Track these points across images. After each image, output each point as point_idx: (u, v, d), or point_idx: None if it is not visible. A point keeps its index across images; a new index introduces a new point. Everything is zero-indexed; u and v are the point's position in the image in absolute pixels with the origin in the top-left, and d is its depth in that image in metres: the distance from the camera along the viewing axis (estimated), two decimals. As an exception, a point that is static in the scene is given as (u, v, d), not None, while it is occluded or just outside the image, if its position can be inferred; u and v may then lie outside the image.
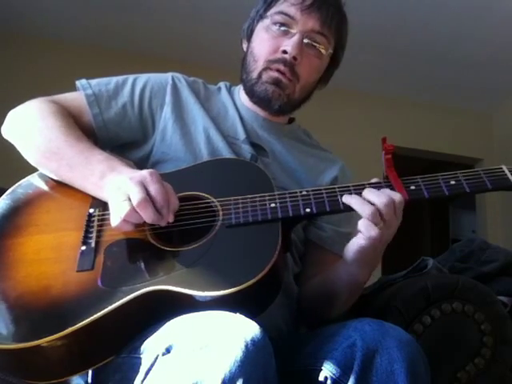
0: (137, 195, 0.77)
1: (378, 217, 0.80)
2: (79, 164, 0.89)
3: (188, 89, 1.10)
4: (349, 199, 0.84)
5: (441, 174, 0.86)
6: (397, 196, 0.82)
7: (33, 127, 0.95)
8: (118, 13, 3.33)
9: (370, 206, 0.81)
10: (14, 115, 1.00)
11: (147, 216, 0.78)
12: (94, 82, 1.05)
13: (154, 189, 0.79)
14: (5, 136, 1.00)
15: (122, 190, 0.79)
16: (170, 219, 0.81)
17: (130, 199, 0.77)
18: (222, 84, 1.19)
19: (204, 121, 1.06)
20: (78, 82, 1.04)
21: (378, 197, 0.81)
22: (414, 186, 0.85)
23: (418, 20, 3.25)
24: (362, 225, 0.81)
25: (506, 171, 0.86)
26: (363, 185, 0.86)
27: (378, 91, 4.07)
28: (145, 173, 0.81)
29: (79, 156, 0.90)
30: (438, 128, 4.14)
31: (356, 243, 0.83)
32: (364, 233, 0.81)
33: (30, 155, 0.95)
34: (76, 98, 1.03)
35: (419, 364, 0.75)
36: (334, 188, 0.86)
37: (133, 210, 0.77)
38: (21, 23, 3.47)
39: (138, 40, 3.58)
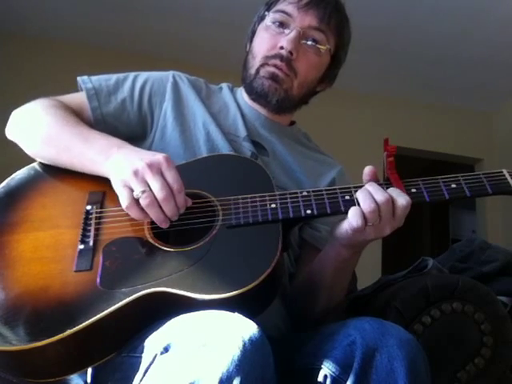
0: (162, 191, 0.77)
1: (377, 213, 0.79)
2: (77, 143, 0.89)
3: (189, 86, 1.11)
4: (358, 193, 0.82)
5: (441, 176, 0.85)
6: (403, 199, 0.80)
7: (34, 118, 0.97)
8: (117, 13, 3.33)
9: (372, 200, 0.80)
10: (16, 114, 1.01)
11: (170, 211, 0.79)
12: (94, 77, 1.06)
13: (171, 176, 0.79)
14: (9, 136, 1.01)
15: (139, 177, 0.78)
16: (185, 207, 0.81)
17: (150, 189, 0.78)
18: (224, 84, 1.20)
19: (204, 117, 1.06)
20: (79, 78, 1.05)
21: (380, 194, 0.80)
22: (415, 189, 0.84)
23: (417, 20, 3.25)
24: (351, 212, 0.80)
25: (507, 176, 0.85)
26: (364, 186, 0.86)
27: (378, 91, 4.07)
28: (161, 159, 0.81)
29: (77, 136, 0.91)
30: (438, 128, 4.15)
31: (344, 228, 0.83)
32: (350, 219, 0.80)
33: (30, 145, 0.96)
34: (76, 96, 1.05)
35: (419, 362, 0.74)
36: (335, 189, 0.85)
37: (155, 203, 0.78)
38: (21, 23, 3.47)
39: (137, 40, 3.58)
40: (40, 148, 0.94)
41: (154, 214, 0.79)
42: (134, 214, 0.80)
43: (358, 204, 0.81)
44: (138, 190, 0.78)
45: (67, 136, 0.91)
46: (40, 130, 0.94)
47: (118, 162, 0.82)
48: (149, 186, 0.78)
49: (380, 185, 0.84)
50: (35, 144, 0.95)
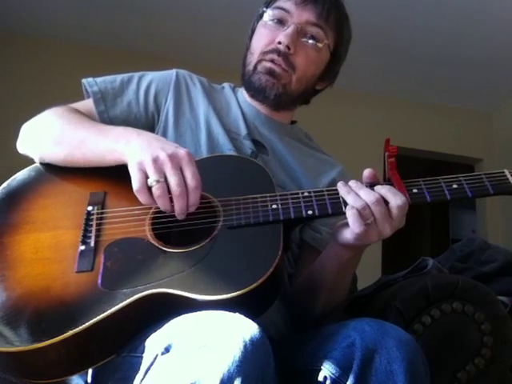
0: (178, 187, 0.77)
1: (368, 211, 0.79)
2: (91, 135, 0.89)
3: (192, 83, 1.12)
4: (343, 189, 0.82)
5: (442, 177, 0.85)
6: (399, 199, 0.80)
7: (46, 123, 0.96)
8: (117, 13, 3.33)
9: (361, 200, 0.79)
10: (27, 125, 1.00)
11: (180, 207, 0.79)
12: (99, 79, 1.06)
13: (190, 172, 0.79)
14: (20, 149, 0.99)
15: (158, 165, 0.78)
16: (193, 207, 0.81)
17: (165, 179, 0.78)
18: (226, 84, 1.20)
19: (207, 113, 1.07)
20: (84, 80, 1.06)
21: (368, 194, 0.80)
22: (416, 190, 0.84)
23: (417, 20, 3.26)
24: (350, 215, 0.79)
25: (508, 176, 0.85)
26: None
27: (378, 91, 4.08)
28: (183, 153, 0.80)
29: (91, 129, 0.91)
30: (438, 128, 4.15)
31: (345, 237, 0.83)
32: (351, 225, 0.79)
33: (42, 149, 0.94)
34: (85, 103, 1.05)
35: (419, 364, 0.74)
36: (336, 189, 0.85)
37: (167, 196, 0.78)
38: (21, 23, 3.47)
39: (137, 40, 3.59)
40: (52, 149, 0.93)
41: (162, 205, 0.79)
42: (143, 199, 0.80)
43: (346, 205, 0.81)
44: (152, 179, 0.78)
45: (81, 131, 0.91)
46: (53, 132, 0.94)
47: (138, 146, 0.81)
48: (165, 177, 0.78)
49: (381, 185, 0.84)
50: (47, 146, 0.94)
